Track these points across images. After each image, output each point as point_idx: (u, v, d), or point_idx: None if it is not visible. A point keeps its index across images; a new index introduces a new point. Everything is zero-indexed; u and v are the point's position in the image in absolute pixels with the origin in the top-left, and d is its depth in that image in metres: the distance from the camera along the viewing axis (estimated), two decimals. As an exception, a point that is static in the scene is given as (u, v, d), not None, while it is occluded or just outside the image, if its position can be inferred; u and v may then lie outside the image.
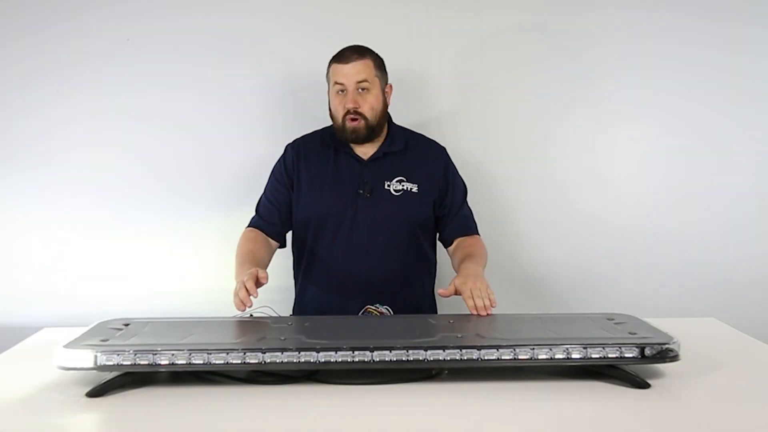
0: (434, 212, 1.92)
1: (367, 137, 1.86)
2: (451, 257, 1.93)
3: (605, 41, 2.28)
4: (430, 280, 1.99)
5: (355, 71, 1.81)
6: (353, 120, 1.83)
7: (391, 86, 1.92)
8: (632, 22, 2.27)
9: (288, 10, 2.25)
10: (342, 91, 1.83)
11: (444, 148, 1.97)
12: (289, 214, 1.92)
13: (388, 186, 1.87)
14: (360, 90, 1.82)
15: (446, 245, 1.95)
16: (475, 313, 1.58)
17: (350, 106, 1.82)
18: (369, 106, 1.83)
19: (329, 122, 1.92)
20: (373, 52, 1.87)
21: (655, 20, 2.27)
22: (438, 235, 1.98)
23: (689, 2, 2.26)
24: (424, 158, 1.93)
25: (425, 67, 2.28)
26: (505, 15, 2.27)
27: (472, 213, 1.97)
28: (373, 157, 1.89)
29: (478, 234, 1.94)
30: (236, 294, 1.56)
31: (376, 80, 1.85)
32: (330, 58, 1.87)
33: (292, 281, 2.00)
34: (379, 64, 1.88)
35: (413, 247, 1.90)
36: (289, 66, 2.26)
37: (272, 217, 1.91)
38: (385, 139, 1.91)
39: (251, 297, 1.54)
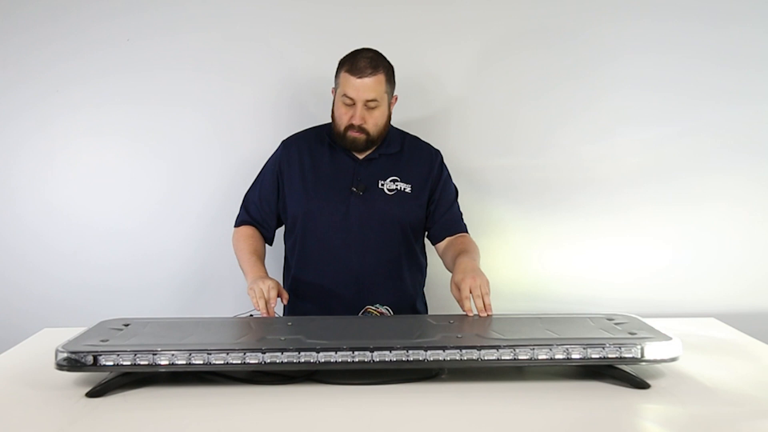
0: (425, 213, 1.90)
1: (365, 148, 1.85)
2: (441, 256, 1.90)
3: (609, 51, 2.26)
4: (422, 281, 1.98)
5: (366, 88, 1.76)
6: (355, 132, 1.81)
7: (396, 97, 1.88)
8: (635, 32, 2.25)
9: (294, 9, 2.24)
10: (349, 104, 1.79)
11: (439, 152, 1.95)
12: (278, 216, 1.93)
13: (382, 185, 1.85)
14: (367, 107, 1.78)
15: (435, 242, 1.92)
16: (471, 314, 1.57)
17: (356, 122, 1.79)
18: (374, 122, 1.80)
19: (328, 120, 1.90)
20: (386, 63, 1.82)
21: (658, 30, 2.25)
22: (426, 233, 1.95)
23: (691, 13, 2.25)
24: (419, 160, 1.91)
25: (427, 70, 2.28)
26: (509, 21, 2.27)
27: (462, 215, 1.95)
28: (369, 157, 1.87)
29: (467, 233, 1.92)
30: (257, 299, 1.64)
31: (385, 96, 1.81)
32: (341, 58, 1.81)
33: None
34: (390, 76, 1.82)
35: (405, 247, 1.88)
36: (294, 65, 2.26)
37: (264, 219, 1.92)
38: (382, 142, 1.88)
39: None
